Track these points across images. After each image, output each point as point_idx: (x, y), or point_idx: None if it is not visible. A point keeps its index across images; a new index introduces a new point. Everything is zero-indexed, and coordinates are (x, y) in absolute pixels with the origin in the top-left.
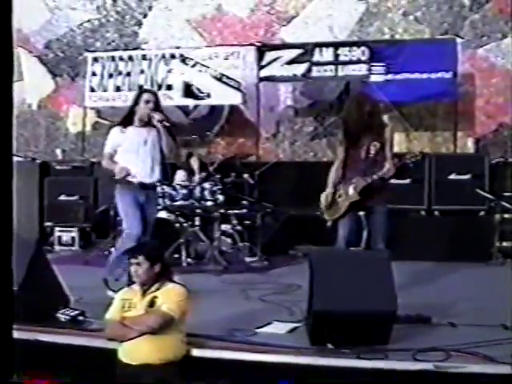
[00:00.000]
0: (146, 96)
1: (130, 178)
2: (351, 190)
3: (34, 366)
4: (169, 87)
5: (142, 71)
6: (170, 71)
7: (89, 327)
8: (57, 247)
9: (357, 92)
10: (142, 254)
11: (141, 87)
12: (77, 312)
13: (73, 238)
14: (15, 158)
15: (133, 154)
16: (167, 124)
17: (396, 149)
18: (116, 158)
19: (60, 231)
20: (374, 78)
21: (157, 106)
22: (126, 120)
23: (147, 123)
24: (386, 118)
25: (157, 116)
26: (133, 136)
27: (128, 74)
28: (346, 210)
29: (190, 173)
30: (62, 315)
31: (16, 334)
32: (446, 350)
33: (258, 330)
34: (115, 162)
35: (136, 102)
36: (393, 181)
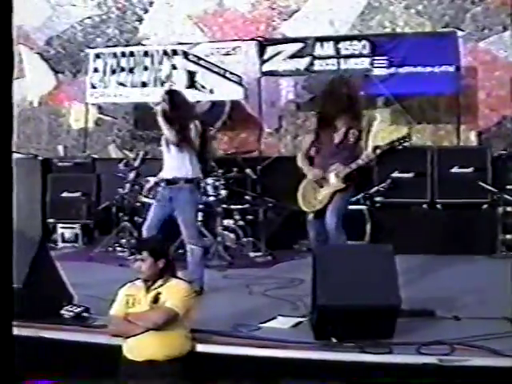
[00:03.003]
0: (161, 97)
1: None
2: (333, 178)
3: (38, 363)
4: (172, 83)
5: (146, 68)
6: (173, 67)
7: (93, 324)
8: (60, 244)
9: (336, 75)
10: (145, 249)
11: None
12: (81, 309)
13: (76, 234)
14: (17, 155)
15: (165, 152)
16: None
17: None
18: None
19: (63, 228)
20: (376, 72)
21: (171, 105)
22: None
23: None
24: (383, 111)
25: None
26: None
27: (131, 71)
28: (329, 200)
29: None
30: (66, 312)
31: (20, 332)
32: (450, 344)
33: (262, 325)
34: None
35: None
36: (395, 174)
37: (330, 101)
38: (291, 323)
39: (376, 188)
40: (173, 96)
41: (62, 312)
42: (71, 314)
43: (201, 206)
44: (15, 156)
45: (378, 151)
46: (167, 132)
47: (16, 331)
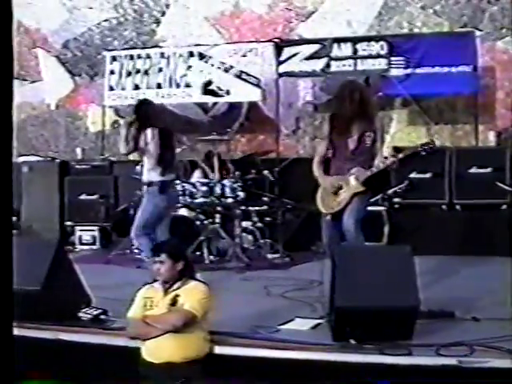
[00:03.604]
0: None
1: None
2: (353, 181)
3: (57, 365)
4: (188, 85)
5: (161, 69)
6: (189, 69)
7: (111, 326)
8: (78, 246)
9: (346, 81)
10: (164, 251)
11: None
12: (99, 311)
13: (94, 237)
14: (35, 158)
15: None
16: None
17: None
18: None
19: (81, 230)
20: (393, 72)
21: (136, 117)
22: None
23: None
24: (401, 112)
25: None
26: None
27: (146, 73)
28: (348, 202)
29: (210, 170)
30: (84, 314)
31: (38, 334)
32: (469, 345)
33: (280, 327)
34: None
35: None
36: (413, 175)
37: (343, 107)
38: (309, 325)
39: (394, 189)
40: (138, 108)
41: (80, 314)
42: (89, 316)
43: (219, 208)
44: (34, 159)
45: (401, 155)
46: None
47: (34, 333)
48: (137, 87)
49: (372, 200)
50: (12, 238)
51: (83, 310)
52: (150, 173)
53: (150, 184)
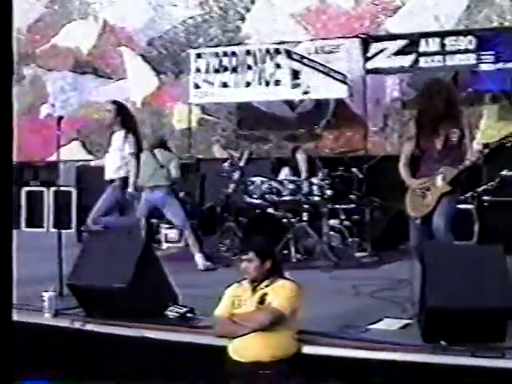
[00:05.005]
0: (108, 106)
1: None
2: (440, 181)
3: (142, 363)
4: (276, 82)
5: (250, 67)
6: (276, 66)
7: (198, 324)
8: (163, 244)
9: (431, 80)
10: (252, 250)
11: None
12: (186, 309)
13: (179, 234)
14: None
15: None
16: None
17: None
18: None
19: (166, 228)
20: (483, 67)
21: (117, 114)
22: None
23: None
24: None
25: None
26: None
27: (234, 70)
28: (436, 203)
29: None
30: (171, 312)
31: (123, 331)
32: None
33: (369, 327)
34: None
35: None
36: (504, 172)
37: (429, 107)
38: (399, 325)
39: (484, 187)
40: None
41: (167, 312)
42: (176, 314)
43: (306, 206)
44: None
45: (487, 150)
46: None
47: (120, 331)
48: (224, 85)
49: (461, 198)
50: (12, 230)
51: (170, 308)
52: None
53: None
